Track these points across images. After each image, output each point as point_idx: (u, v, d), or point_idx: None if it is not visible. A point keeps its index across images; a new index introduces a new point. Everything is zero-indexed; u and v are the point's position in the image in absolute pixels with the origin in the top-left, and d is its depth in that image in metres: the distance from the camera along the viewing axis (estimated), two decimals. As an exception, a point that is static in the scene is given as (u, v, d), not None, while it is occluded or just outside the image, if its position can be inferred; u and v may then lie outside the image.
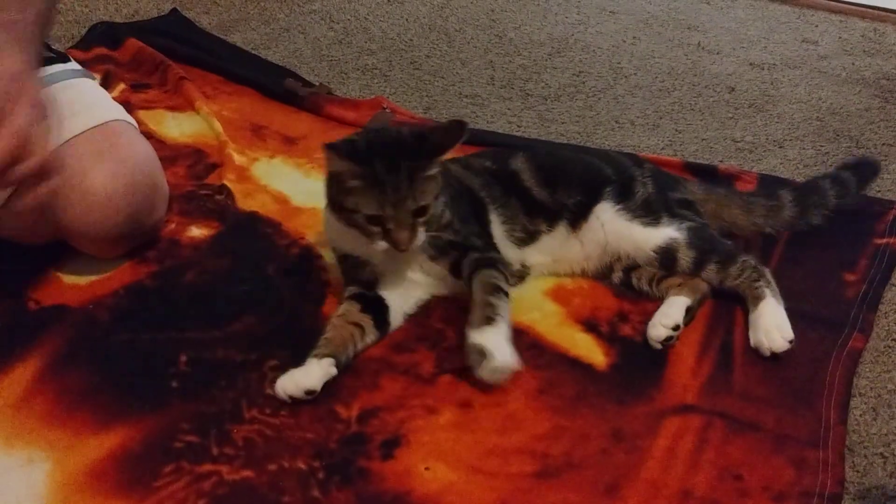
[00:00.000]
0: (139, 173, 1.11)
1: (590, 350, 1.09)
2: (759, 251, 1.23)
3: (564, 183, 1.16)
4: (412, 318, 1.12)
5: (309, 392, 0.99)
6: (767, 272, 1.12)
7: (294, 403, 1.00)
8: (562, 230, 1.16)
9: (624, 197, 1.15)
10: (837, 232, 1.28)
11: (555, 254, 1.17)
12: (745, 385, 1.05)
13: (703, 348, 1.09)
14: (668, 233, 1.12)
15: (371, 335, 1.07)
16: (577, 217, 1.15)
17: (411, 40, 1.85)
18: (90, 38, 1.74)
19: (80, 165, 1.07)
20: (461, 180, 1.15)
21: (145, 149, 1.15)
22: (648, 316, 1.13)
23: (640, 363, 1.08)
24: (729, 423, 1.00)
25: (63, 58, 1.20)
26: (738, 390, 1.04)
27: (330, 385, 1.02)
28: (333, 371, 1.01)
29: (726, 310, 1.14)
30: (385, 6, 1.99)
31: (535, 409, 1.01)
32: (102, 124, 1.12)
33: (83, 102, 1.14)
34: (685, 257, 1.12)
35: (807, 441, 0.98)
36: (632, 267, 1.16)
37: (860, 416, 1.02)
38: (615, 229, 1.14)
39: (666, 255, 1.12)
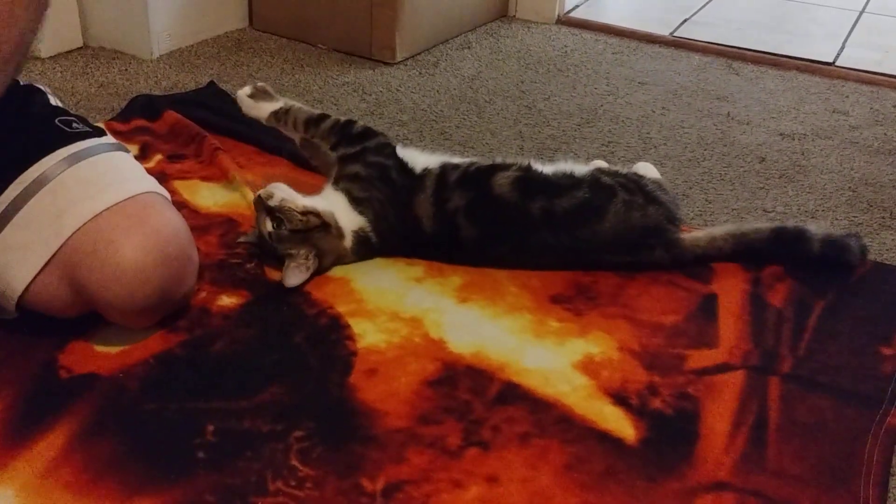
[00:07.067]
0: (170, 245, 1.12)
1: (619, 424, 1.08)
2: (792, 324, 1.22)
3: None
4: (439, 389, 1.11)
5: None
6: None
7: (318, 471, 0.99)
8: None
9: None
10: (872, 305, 1.27)
11: None
12: (779, 462, 1.02)
13: (735, 424, 1.07)
14: None
15: None
16: None
17: (442, 111, 1.88)
18: (129, 111, 1.79)
19: (110, 238, 1.09)
20: None
21: (176, 221, 1.15)
22: (679, 389, 1.11)
23: (670, 438, 1.06)
24: (764, 501, 0.97)
25: (98, 132, 1.22)
26: (772, 468, 1.01)
27: (355, 458, 1.01)
28: None
29: (760, 384, 1.12)
30: (416, 78, 2.03)
31: (563, 486, 0.99)
32: (133, 197, 1.13)
33: (114, 176, 1.16)
34: None
35: (845, 522, 0.95)
36: None
37: (900, 496, 0.99)
38: None
39: None
